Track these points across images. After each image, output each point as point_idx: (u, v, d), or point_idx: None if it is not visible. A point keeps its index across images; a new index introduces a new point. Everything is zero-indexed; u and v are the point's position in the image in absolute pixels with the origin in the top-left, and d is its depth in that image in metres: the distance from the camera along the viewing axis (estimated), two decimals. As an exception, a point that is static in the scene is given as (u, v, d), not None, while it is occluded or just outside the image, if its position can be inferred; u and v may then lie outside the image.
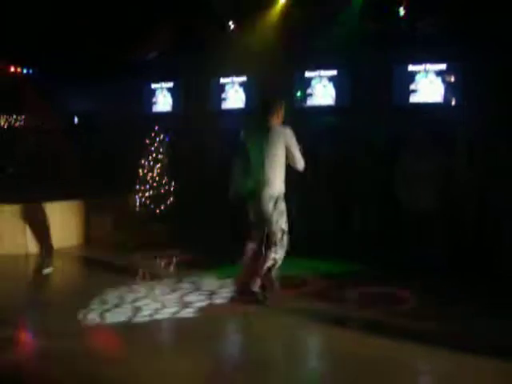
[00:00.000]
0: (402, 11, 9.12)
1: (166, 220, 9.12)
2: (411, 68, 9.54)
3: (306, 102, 10.46)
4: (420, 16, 9.31)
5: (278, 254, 5.29)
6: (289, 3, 10.15)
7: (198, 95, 11.61)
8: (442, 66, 9.34)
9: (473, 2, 8.63)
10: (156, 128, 9.31)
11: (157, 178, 9.15)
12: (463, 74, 9.15)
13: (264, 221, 5.28)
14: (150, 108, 12.51)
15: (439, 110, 9.19)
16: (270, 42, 10.05)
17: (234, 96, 11.39)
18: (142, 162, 9.22)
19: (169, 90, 12.34)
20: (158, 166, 9.14)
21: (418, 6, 9.26)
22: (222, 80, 11.52)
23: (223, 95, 11.50)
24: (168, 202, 9.14)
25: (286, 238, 5.30)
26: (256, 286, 5.32)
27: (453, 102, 9.22)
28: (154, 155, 9.21)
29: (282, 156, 5.24)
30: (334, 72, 10.28)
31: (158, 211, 9.16)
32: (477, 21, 8.61)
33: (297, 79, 10.56)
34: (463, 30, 8.73)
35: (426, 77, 9.42)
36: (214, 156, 9.57)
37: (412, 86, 9.48)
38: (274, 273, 5.40)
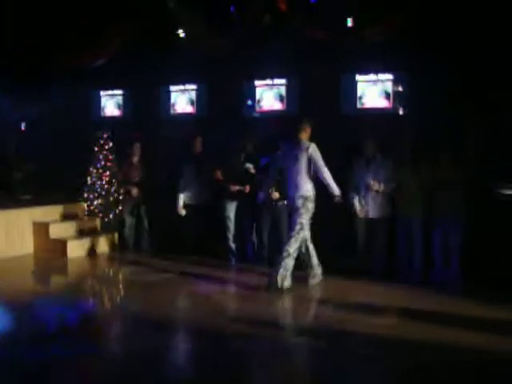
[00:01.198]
0: (349, 21, 9.24)
1: (115, 228, 9.06)
2: (359, 77, 9.69)
3: (255, 109, 10.49)
4: (368, 26, 9.46)
5: (293, 247, 6.33)
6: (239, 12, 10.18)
7: (147, 102, 11.50)
8: (389, 76, 9.51)
9: (420, 12, 8.82)
10: (104, 135, 9.21)
11: (105, 186, 9.04)
12: (410, 83, 9.34)
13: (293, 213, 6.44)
14: (99, 114, 12.31)
15: (386, 118, 9.36)
16: (220, 50, 10.07)
17: (183, 103, 11.32)
18: (91, 169, 9.11)
19: (118, 96, 12.18)
20: (107, 173, 9.05)
21: (366, 16, 9.42)
22: (172, 87, 11.44)
23: (173, 102, 11.41)
24: (117, 211, 9.05)
25: (301, 233, 6.35)
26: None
27: (400, 111, 9.40)
28: (103, 163, 9.11)
29: (307, 165, 6.41)
30: (283, 80, 10.35)
31: (106, 219, 9.07)
32: (423, 31, 8.81)
33: (246, 87, 10.59)
34: (410, 40, 8.91)
35: (374, 86, 9.58)
36: (164, 163, 9.51)
37: (359, 95, 9.63)
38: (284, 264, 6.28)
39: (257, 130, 9.11)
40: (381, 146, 7.58)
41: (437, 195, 7.04)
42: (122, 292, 7.04)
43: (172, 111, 11.41)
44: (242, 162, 8.02)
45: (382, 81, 9.54)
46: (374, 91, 9.56)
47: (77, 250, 8.56)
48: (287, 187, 6.64)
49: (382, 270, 7.22)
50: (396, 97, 9.42)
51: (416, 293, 6.36)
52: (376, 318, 5.49)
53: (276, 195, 7.34)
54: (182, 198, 8.37)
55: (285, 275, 6.30)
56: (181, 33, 10.13)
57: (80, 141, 10.23)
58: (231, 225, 8.06)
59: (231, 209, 8.06)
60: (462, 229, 6.97)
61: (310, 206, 6.41)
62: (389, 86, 9.48)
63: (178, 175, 8.51)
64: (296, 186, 6.44)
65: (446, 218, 6.93)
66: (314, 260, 6.65)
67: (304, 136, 6.66)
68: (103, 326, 5.49)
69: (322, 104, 9.66)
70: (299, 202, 6.36)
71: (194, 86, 11.21)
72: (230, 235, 8.07)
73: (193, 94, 11.23)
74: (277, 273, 6.29)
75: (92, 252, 8.70)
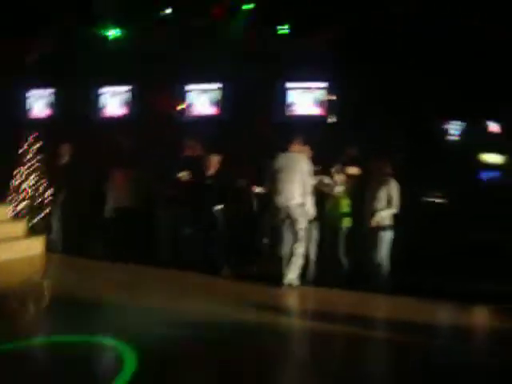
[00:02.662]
0: (283, 30, 9.39)
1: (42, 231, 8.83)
2: (291, 85, 9.83)
3: (187, 114, 10.47)
4: (301, 34, 9.63)
5: (300, 248, 6.80)
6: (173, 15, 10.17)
7: (77, 103, 11.27)
8: (321, 84, 9.69)
9: (355, 22, 9.04)
10: (32, 136, 8.98)
11: (33, 188, 8.81)
12: (341, 91, 9.55)
13: (293, 222, 6.81)
14: (28, 115, 11.96)
15: (318, 126, 9.53)
16: (152, 52, 10.02)
17: (115, 105, 11.16)
18: (17, 170, 8.86)
19: (48, 96, 11.87)
20: (34, 176, 8.82)
21: (300, 25, 9.58)
22: (104, 89, 11.26)
23: (104, 103, 11.23)
24: (44, 214, 8.83)
25: (303, 233, 6.79)
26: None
27: (332, 119, 9.59)
28: (31, 164, 8.88)
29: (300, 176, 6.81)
30: (215, 86, 10.37)
31: (32, 222, 8.83)
32: (354, 41, 9.04)
33: (179, 91, 10.55)
34: (341, 49, 9.12)
35: (305, 94, 9.74)
36: (93, 166, 9.33)
37: (291, 102, 9.77)
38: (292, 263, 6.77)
39: (189, 134, 9.04)
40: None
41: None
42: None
43: (103, 113, 11.23)
44: (177, 168, 7.97)
45: (314, 89, 9.71)
46: (305, 99, 9.72)
47: (1, 253, 8.25)
48: (278, 196, 6.89)
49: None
50: (327, 105, 9.61)
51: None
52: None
53: None
54: (110, 201, 8.26)
55: (295, 274, 6.83)
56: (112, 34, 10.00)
57: (6, 141, 9.91)
58: (164, 231, 8.04)
59: (164, 215, 8.03)
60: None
61: (304, 211, 6.87)
62: (320, 94, 9.66)
63: (107, 178, 8.39)
64: (290, 196, 6.81)
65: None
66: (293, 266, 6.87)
67: (296, 149, 7.04)
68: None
69: (255, 110, 9.75)
70: (298, 211, 6.79)
71: (126, 88, 11.07)
72: (164, 240, 8.05)
73: (124, 96, 11.08)
74: (289, 273, 6.79)
75: (17, 256, 8.40)
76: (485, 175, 11.66)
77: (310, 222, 7.10)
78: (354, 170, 7.33)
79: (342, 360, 4.67)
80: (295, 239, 6.83)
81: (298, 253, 6.82)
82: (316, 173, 7.15)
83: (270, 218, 7.37)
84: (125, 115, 11.01)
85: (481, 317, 6.57)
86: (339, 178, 7.29)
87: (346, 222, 7.29)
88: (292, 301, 6.72)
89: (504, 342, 5.11)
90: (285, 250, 6.95)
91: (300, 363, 4.53)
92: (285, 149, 7.07)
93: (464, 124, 11.71)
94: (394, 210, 7.09)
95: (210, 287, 6.99)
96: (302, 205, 6.85)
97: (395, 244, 7.10)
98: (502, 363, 4.51)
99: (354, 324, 5.46)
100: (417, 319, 5.71)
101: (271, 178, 7.01)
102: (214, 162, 7.79)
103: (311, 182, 6.95)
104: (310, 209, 6.95)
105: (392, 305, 6.54)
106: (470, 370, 4.41)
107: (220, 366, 4.29)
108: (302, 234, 6.81)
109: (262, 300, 6.36)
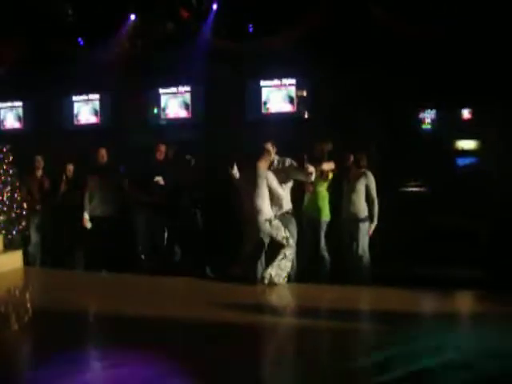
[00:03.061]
0: (251, 28, 9.37)
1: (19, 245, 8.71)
2: (263, 83, 9.82)
3: (161, 117, 10.42)
4: (270, 33, 9.62)
5: (288, 251, 6.64)
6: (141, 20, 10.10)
7: (50, 113, 11.17)
8: (293, 81, 9.68)
9: (322, 19, 9.05)
10: (4, 148, 8.84)
11: (7, 202, 8.67)
12: (313, 87, 9.55)
13: (268, 237, 6.72)
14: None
15: (291, 123, 9.54)
16: (123, 58, 9.96)
17: (87, 114, 11.07)
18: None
19: (19, 107, 11.74)
20: (8, 188, 8.67)
21: (269, 23, 9.57)
22: (75, 97, 11.16)
23: (76, 112, 11.13)
24: (20, 227, 8.69)
25: (290, 240, 6.67)
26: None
27: (305, 115, 9.59)
28: (3, 177, 8.73)
29: (266, 190, 6.67)
30: (188, 88, 10.33)
31: (9, 236, 8.69)
32: (323, 37, 9.05)
33: (152, 95, 10.49)
34: (312, 45, 9.13)
35: (278, 91, 9.74)
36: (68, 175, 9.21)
37: (264, 100, 9.76)
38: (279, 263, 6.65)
39: (164, 138, 8.99)
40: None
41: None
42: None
43: (75, 122, 11.12)
44: (151, 173, 7.93)
45: (286, 86, 9.71)
46: (278, 96, 9.71)
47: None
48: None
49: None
50: (300, 101, 9.61)
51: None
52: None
53: None
54: (87, 211, 8.17)
55: (280, 273, 6.66)
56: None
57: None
58: (141, 237, 7.99)
59: (141, 221, 7.98)
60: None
61: (276, 222, 6.70)
62: (292, 91, 9.66)
63: (82, 187, 8.31)
64: (259, 211, 6.66)
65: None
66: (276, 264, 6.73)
67: (263, 164, 6.78)
68: None
69: (227, 110, 9.73)
70: (267, 226, 6.66)
71: (97, 96, 10.98)
72: (140, 247, 7.99)
73: (97, 104, 11.00)
74: (270, 269, 6.64)
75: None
76: (461, 162, 11.78)
77: (288, 218, 6.99)
78: (329, 166, 7.30)
79: (331, 354, 4.65)
80: (280, 247, 6.69)
81: (283, 253, 6.68)
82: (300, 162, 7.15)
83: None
84: (97, 122, 10.93)
85: (462, 303, 6.61)
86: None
87: (325, 216, 7.26)
88: (275, 298, 6.69)
89: (493, 327, 5.10)
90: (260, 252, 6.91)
91: (288, 359, 4.50)
92: (249, 162, 6.88)
93: (438, 112, 11.83)
94: (375, 204, 7.12)
95: (193, 289, 6.95)
96: (271, 218, 6.69)
97: (374, 235, 7.13)
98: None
99: (341, 318, 5.43)
100: (404, 309, 5.70)
101: (237, 193, 6.96)
102: (188, 165, 7.84)
103: (279, 189, 6.75)
104: (286, 205, 6.86)
105: (376, 296, 6.54)
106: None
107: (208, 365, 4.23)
108: (284, 242, 6.68)
109: (244, 299, 6.33)
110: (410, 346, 4.53)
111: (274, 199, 6.79)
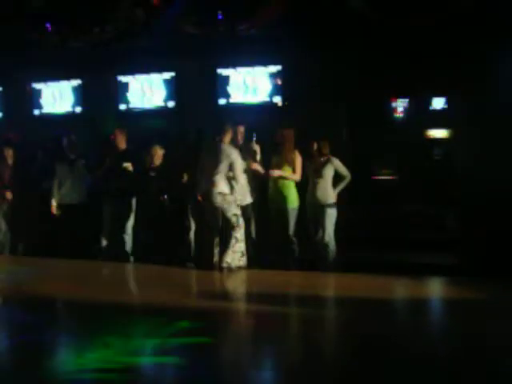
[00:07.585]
0: (220, 15, 9.28)
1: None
2: (233, 71, 9.74)
3: (130, 104, 10.32)
4: (240, 20, 9.55)
5: (238, 233, 6.83)
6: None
7: (17, 99, 11.00)
8: (266, 69, 9.61)
9: (292, 6, 8.99)
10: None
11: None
12: (286, 75, 9.49)
13: (219, 212, 6.93)
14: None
15: (262, 110, 9.50)
16: (91, 45, 9.85)
17: (54, 100, 10.92)
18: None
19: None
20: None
21: (238, 10, 9.49)
22: (44, 84, 11.00)
23: (41, 100, 10.98)
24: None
25: (240, 220, 6.88)
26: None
27: (278, 103, 9.54)
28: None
29: (226, 167, 6.86)
30: (158, 75, 10.22)
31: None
32: (296, 24, 8.99)
33: (120, 83, 10.36)
34: (284, 32, 9.08)
35: (251, 78, 9.67)
36: (36, 164, 9.13)
37: (236, 88, 9.70)
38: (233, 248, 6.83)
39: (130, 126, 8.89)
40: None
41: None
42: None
43: (43, 108, 10.99)
44: (119, 160, 7.89)
45: (257, 73, 9.65)
46: (249, 83, 9.66)
47: None
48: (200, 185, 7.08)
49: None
50: (271, 88, 9.57)
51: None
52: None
53: None
54: (55, 198, 8.12)
55: (234, 257, 6.85)
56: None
57: None
58: (106, 224, 7.98)
59: (108, 209, 7.98)
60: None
61: (229, 198, 6.89)
62: (264, 78, 9.60)
63: (50, 175, 8.24)
64: (214, 184, 6.87)
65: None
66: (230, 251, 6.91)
67: (226, 141, 7.04)
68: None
69: (199, 99, 9.67)
70: (219, 199, 6.85)
71: (67, 83, 10.83)
72: (104, 233, 7.99)
73: (66, 91, 10.85)
74: (225, 256, 6.82)
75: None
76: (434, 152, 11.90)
77: (246, 205, 7.21)
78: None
79: (299, 340, 4.65)
80: (228, 226, 6.88)
81: (235, 237, 6.84)
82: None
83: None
84: (68, 110, 10.80)
85: (432, 289, 6.67)
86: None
87: (292, 204, 7.23)
88: (235, 285, 6.71)
89: (466, 313, 5.14)
90: (216, 235, 7.04)
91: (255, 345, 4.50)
92: (216, 140, 7.10)
93: (410, 101, 11.90)
94: (348, 179, 7.18)
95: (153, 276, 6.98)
96: (226, 193, 6.89)
97: (339, 222, 7.15)
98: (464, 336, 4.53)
99: (309, 305, 5.45)
100: (373, 295, 5.73)
101: (199, 168, 7.17)
102: (159, 154, 7.84)
103: (239, 169, 6.91)
104: (243, 194, 7.08)
105: (342, 282, 6.58)
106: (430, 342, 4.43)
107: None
108: (234, 220, 6.85)
109: (202, 286, 6.45)
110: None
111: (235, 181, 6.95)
